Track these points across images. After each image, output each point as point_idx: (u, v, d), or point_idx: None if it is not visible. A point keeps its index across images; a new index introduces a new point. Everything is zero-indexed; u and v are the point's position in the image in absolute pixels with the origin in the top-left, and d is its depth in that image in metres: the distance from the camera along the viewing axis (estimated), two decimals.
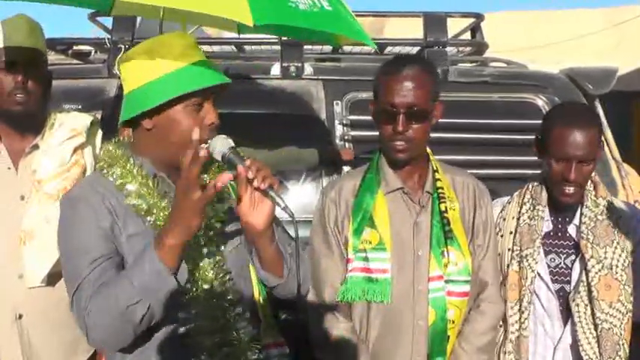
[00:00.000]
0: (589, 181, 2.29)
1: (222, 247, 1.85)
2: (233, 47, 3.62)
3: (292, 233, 1.81)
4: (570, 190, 2.19)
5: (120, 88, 2.85)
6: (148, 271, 1.60)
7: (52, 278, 2.30)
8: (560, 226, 2.31)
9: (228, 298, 1.81)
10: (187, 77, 1.73)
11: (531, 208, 2.31)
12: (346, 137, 3.05)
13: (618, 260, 2.21)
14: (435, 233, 2.12)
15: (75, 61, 3.46)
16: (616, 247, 2.22)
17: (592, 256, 2.20)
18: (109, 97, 3.02)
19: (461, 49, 3.75)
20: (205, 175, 1.86)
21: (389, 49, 3.66)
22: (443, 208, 2.14)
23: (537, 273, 2.25)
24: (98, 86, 3.08)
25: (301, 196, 2.96)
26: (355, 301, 2.13)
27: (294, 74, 3.11)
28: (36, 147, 2.36)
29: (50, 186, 2.32)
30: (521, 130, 2.99)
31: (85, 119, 2.49)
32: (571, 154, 2.15)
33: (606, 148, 3.03)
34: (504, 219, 2.35)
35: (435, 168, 2.20)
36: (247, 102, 3.00)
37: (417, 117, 2.06)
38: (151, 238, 1.65)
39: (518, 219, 2.31)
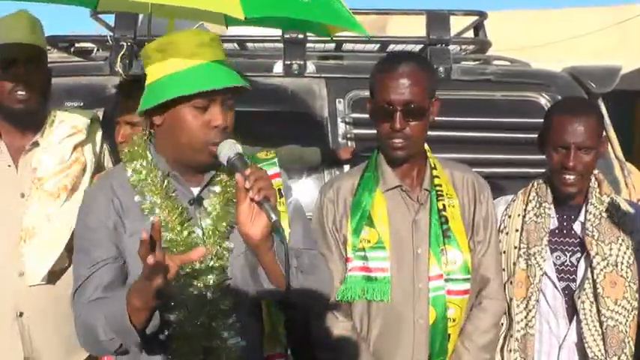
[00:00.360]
0: (593, 178, 2.29)
1: (227, 253, 1.79)
2: (235, 45, 3.61)
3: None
4: (570, 178, 2.19)
5: None
6: (120, 319, 1.61)
7: (52, 276, 2.30)
8: (565, 223, 2.30)
9: (220, 304, 1.76)
10: (190, 78, 1.71)
11: (537, 206, 2.30)
12: (348, 135, 3.05)
13: (623, 257, 2.21)
14: (434, 231, 2.12)
15: (77, 59, 3.45)
16: (621, 244, 2.22)
17: (597, 253, 2.20)
18: (110, 94, 3.01)
19: (464, 47, 3.74)
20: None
21: (391, 47, 3.65)
22: (441, 206, 2.13)
23: (544, 271, 2.25)
24: (100, 84, 3.08)
25: (303, 195, 2.95)
26: (355, 300, 2.12)
27: (296, 72, 3.10)
28: (36, 144, 2.36)
29: (50, 183, 2.32)
30: (524, 129, 2.98)
31: (85, 116, 2.48)
32: (569, 141, 2.17)
33: (609, 146, 3.02)
34: (509, 216, 2.34)
35: (432, 165, 2.20)
36: (249, 100, 2.98)
37: (414, 114, 2.05)
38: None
39: (523, 217, 2.31)
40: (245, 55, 3.54)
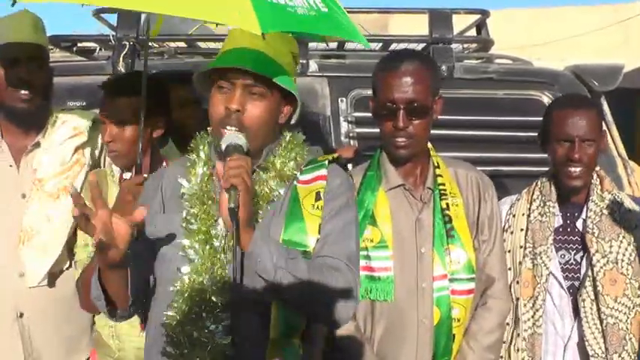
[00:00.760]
0: (595, 175, 2.29)
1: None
2: None
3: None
4: (576, 170, 2.20)
5: None
6: (93, 278, 1.74)
7: (52, 277, 2.30)
8: (568, 221, 2.30)
9: (214, 297, 1.73)
10: (217, 59, 1.79)
11: (541, 205, 2.30)
12: (351, 134, 3.04)
13: (624, 254, 2.21)
14: (437, 231, 2.11)
15: (79, 58, 3.45)
16: (622, 241, 2.22)
17: (597, 251, 2.20)
18: None
19: (466, 45, 3.73)
20: None
21: (394, 45, 3.64)
22: (444, 205, 2.13)
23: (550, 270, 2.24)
24: None
25: None
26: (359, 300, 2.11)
27: (298, 71, 3.08)
28: (38, 145, 2.35)
29: (50, 184, 2.31)
30: (526, 127, 2.97)
31: (87, 118, 2.48)
32: (573, 134, 2.18)
33: (612, 144, 3.02)
34: (514, 215, 2.34)
35: (436, 164, 2.19)
36: None
37: (417, 113, 2.04)
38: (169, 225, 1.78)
39: (528, 216, 2.31)
40: None
